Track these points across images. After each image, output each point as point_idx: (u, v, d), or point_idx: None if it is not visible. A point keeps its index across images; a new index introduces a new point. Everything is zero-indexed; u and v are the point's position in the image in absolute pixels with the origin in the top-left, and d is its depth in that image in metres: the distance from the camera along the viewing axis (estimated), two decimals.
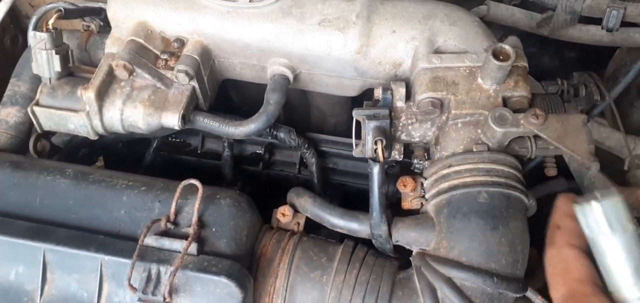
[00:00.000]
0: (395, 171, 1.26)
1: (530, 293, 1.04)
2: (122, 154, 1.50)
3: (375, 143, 0.96)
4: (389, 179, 1.20)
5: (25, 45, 1.30)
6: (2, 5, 1.44)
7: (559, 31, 1.18)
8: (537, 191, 1.17)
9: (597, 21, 1.18)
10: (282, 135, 1.30)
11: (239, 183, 1.39)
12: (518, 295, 0.93)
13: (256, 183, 1.42)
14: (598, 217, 0.70)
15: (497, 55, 0.94)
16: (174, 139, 1.46)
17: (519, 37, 1.07)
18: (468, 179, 0.94)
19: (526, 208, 0.97)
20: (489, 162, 0.94)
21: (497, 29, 1.36)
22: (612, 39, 1.16)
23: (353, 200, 1.33)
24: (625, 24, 1.15)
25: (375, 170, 0.95)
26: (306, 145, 1.33)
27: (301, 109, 1.48)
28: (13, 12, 1.76)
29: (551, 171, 1.07)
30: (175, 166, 1.46)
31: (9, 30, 1.78)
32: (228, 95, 1.45)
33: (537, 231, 0.93)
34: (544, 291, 0.87)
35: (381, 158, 0.95)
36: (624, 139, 1.26)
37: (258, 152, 1.42)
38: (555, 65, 1.60)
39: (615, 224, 0.69)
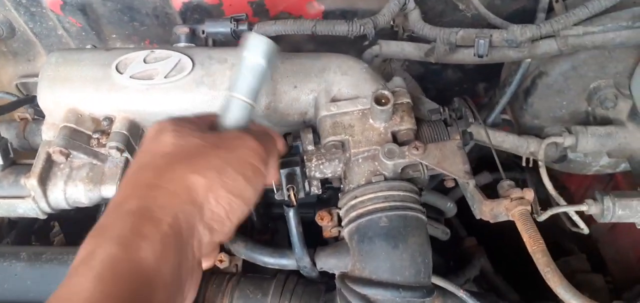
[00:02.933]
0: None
1: (452, 288, 1.22)
2: (75, 217, 1.61)
3: (288, 190, 1.10)
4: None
5: None
6: None
7: (443, 58, 1.35)
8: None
9: None
10: None
11: None
12: (426, 299, 1.09)
13: None
14: (252, 42, 0.96)
15: (379, 100, 1.10)
16: None
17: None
18: (370, 207, 1.09)
19: (424, 222, 1.13)
20: (387, 189, 1.10)
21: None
22: (490, 57, 1.34)
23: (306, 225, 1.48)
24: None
25: (291, 213, 1.09)
26: None
27: None
28: None
29: (449, 183, 1.24)
30: None
31: None
32: None
33: None
34: None
35: (294, 203, 1.10)
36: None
37: None
38: (458, 77, 1.78)
39: (256, 52, 0.95)
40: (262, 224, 1.53)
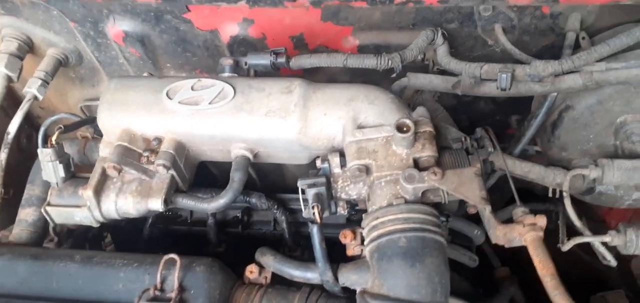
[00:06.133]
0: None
1: None
2: (125, 230, 1.76)
3: (313, 208, 1.19)
4: None
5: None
6: (19, 112, 1.71)
7: (468, 90, 1.42)
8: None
9: None
10: (254, 200, 1.55)
11: (223, 245, 1.64)
12: None
13: (238, 242, 1.67)
14: None
15: (400, 128, 1.18)
16: (167, 213, 1.71)
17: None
18: (391, 227, 1.17)
19: (443, 245, 1.19)
20: (406, 212, 1.17)
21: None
22: (517, 91, 1.39)
23: (332, 245, 1.56)
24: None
25: (314, 230, 1.18)
26: (276, 206, 1.58)
27: (276, 172, 1.73)
28: (27, 115, 2.04)
29: (471, 209, 1.29)
30: (169, 236, 1.72)
31: (24, 130, 2.06)
32: (209, 171, 1.71)
33: None
34: None
35: (318, 220, 1.19)
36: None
37: (237, 215, 1.67)
38: (491, 108, 1.82)
39: None
40: (294, 242, 1.62)
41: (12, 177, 1.77)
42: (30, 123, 2.11)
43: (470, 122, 1.89)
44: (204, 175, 1.55)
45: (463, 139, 1.26)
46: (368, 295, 1.17)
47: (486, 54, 1.60)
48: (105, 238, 1.82)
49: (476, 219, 1.76)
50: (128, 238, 1.69)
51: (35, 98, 1.70)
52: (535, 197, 1.88)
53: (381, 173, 1.22)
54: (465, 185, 1.14)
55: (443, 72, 1.57)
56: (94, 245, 1.74)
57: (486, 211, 1.15)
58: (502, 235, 1.11)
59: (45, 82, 1.70)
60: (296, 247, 1.62)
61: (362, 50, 1.64)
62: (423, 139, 1.23)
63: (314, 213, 1.19)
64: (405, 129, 1.18)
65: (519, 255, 1.29)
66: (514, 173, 1.37)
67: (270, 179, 1.74)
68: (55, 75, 1.75)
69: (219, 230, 1.65)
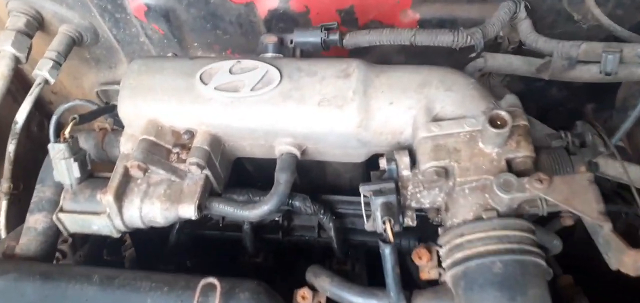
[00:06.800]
0: None
1: None
2: (148, 233, 1.55)
3: (384, 223, 0.97)
4: None
5: None
6: (28, 97, 1.52)
7: (559, 75, 1.18)
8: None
9: None
10: (297, 203, 1.33)
11: (261, 254, 1.43)
12: None
13: (278, 251, 1.45)
14: None
15: (494, 122, 0.95)
16: None
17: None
18: (481, 248, 0.93)
19: (545, 271, 0.96)
20: (500, 228, 0.94)
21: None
22: (615, 76, 1.15)
23: (377, 257, 1.35)
24: None
25: (387, 251, 0.96)
26: (322, 211, 1.35)
27: (316, 169, 1.50)
28: (37, 100, 1.86)
29: (567, 221, 1.07)
30: (199, 242, 1.51)
31: (35, 117, 1.87)
32: (244, 167, 1.49)
33: None
34: None
35: (391, 239, 0.96)
36: None
37: (276, 220, 1.45)
38: (563, 96, 1.58)
39: None
40: (342, 252, 1.40)
41: (22, 169, 1.60)
42: (41, 109, 1.94)
43: (539, 111, 1.64)
44: (236, 170, 1.33)
45: (562, 135, 1.02)
46: None
47: (569, 31, 1.36)
48: (124, 242, 1.62)
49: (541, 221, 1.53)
50: (151, 242, 1.48)
51: (46, 81, 1.52)
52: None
53: (465, 178, 0.99)
54: (578, 196, 0.91)
55: (517, 52, 1.34)
56: (113, 251, 1.54)
57: (605, 229, 0.91)
58: (631, 262, 0.87)
59: (57, 64, 1.52)
60: (345, 259, 1.40)
61: (422, 25, 1.40)
62: (517, 135, 1.00)
63: (384, 230, 0.97)
64: (499, 122, 0.95)
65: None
66: (626, 180, 1.12)
67: (309, 176, 1.51)
68: (69, 56, 1.56)
69: (256, 237, 1.44)
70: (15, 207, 1.58)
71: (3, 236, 1.49)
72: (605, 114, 1.63)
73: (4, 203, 1.55)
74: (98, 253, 1.50)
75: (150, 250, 1.57)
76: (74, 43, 1.56)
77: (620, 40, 1.20)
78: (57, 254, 1.32)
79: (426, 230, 1.17)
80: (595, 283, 1.58)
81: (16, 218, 1.52)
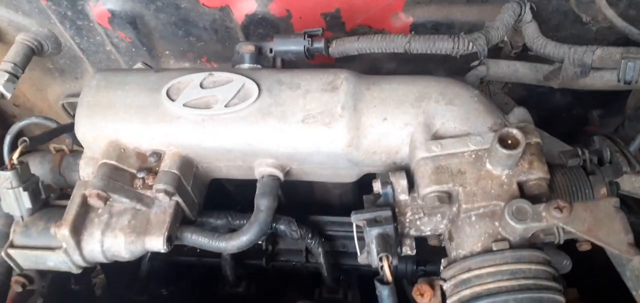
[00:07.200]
0: None
1: None
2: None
3: (381, 260, 0.84)
4: None
5: None
6: None
7: (569, 82, 1.06)
8: None
9: None
10: (282, 227, 1.21)
11: (242, 283, 1.29)
12: None
13: (261, 278, 1.32)
14: None
15: (504, 141, 0.82)
16: None
17: None
18: (492, 285, 0.82)
19: None
20: (513, 261, 0.82)
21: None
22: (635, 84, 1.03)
23: (369, 281, 1.22)
24: None
25: (385, 293, 0.83)
26: (309, 235, 1.23)
27: (302, 185, 1.37)
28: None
29: (585, 246, 0.95)
30: (174, 268, 1.37)
31: None
32: (223, 186, 1.35)
33: None
34: None
35: (389, 279, 0.83)
36: None
37: (260, 243, 1.32)
38: (567, 102, 1.48)
39: None
40: (333, 279, 1.27)
41: None
42: (4, 124, 1.77)
43: (541, 119, 1.53)
44: (213, 189, 1.20)
45: (580, 152, 0.90)
46: None
47: (575, 34, 1.25)
48: (94, 268, 1.48)
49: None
50: (123, 270, 1.34)
51: (2, 96, 1.36)
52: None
53: (472, 204, 0.87)
54: (602, 226, 0.79)
55: (521, 57, 1.22)
56: (81, 279, 1.39)
57: (635, 263, 0.79)
58: None
59: (14, 76, 1.38)
60: (337, 286, 1.27)
61: (416, 29, 1.28)
62: (530, 155, 0.87)
63: (381, 267, 0.84)
64: (510, 142, 0.82)
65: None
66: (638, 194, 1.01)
67: (295, 193, 1.38)
68: (30, 67, 1.42)
69: (237, 263, 1.30)
70: None
71: None
72: (612, 121, 1.52)
73: None
74: (65, 281, 1.36)
75: (122, 276, 1.43)
76: (33, 53, 1.42)
77: (633, 43, 1.09)
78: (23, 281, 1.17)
79: (424, 248, 1.05)
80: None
81: None
